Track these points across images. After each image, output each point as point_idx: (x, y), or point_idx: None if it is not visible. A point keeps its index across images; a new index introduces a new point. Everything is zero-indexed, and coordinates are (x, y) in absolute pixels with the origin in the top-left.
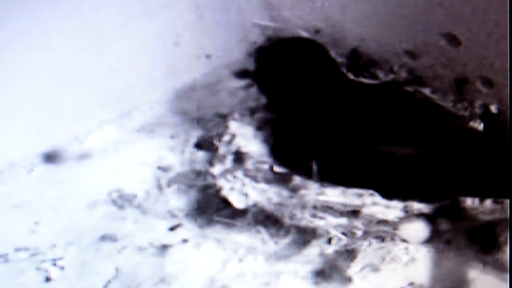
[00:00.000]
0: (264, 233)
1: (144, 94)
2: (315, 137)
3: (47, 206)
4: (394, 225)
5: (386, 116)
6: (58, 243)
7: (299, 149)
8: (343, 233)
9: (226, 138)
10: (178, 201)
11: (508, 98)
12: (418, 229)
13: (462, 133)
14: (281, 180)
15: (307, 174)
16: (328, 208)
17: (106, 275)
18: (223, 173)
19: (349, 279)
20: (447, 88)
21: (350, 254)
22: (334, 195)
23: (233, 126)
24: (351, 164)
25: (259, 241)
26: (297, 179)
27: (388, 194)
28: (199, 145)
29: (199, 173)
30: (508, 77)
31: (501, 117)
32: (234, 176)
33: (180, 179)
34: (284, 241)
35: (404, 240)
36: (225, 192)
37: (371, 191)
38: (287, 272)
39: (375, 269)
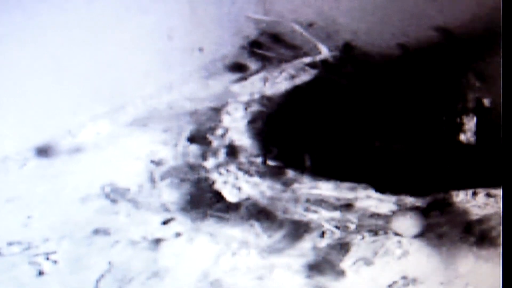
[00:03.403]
0: (257, 227)
1: (137, 88)
2: (308, 130)
3: (40, 200)
4: (387, 218)
5: (384, 114)
6: (51, 237)
7: (292, 143)
8: (336, 227)
9: (219, 131)
10: (171, 195)
11: (501, 91)
12: (411, 223)
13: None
14: (274, 173)
15: (300, 168)
16: (321, 202)
17: (99, 269)
18: (216, 167)
19: (342, 273)
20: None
21: (343, 247)
22: (327, 188)
23: (226, 119)
24: (345, 158)
25: (252, 235)
26: (290, 173)
27: (381, 187)
28: (192, 139)
29: (192, 167)
30: (501, 71)
31: (494, 110)
32: (227, 170)
33: (173, 173)
34: (277, 235)
35: (397, 234)
36: (218, 186)
37: (364, 185)
38: (280, 266)
39: (368, 262)
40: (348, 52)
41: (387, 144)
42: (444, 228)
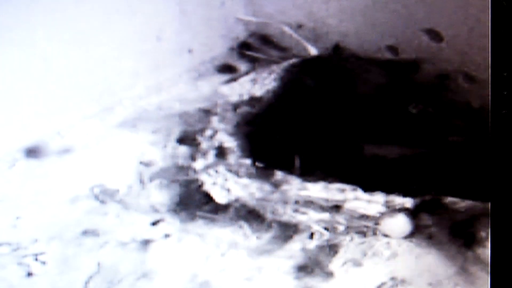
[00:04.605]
0: (246, 228)
1: (127, 89)
2: (297, 132)
3: (29, 200)
4: (376, 220)
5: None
6: (40, 238)
7: (281, 144)
8: (325, 228)
9: (208, 133)
10: (160, 196)
11: (489, 93)
12: (400, 224)
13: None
14: (263, 175)
15: (289, 169)
16: (310, 203)
17: (88, 270)
18: (205, 168)
19: (331, 274)
20: (429, 83)
21: (332, 249)
22: (316, 190)
23: (215, 121)
24: (334, 159)
25: (241, 236)
26: (279, 174)
27: (370, 188)
28: (181, 140)
29: (181, 168)
30: (489, 73)
31: (482, 112)
32: (216, 171)
33: (162, 174)
34: (266, 236)
35: (385, 235)
36: (207, 187)
37: (353, 186)
38: (269, 267)
39: (357, 264)
40: (337, 54)
41: (376, 149)
42: (432, 229)
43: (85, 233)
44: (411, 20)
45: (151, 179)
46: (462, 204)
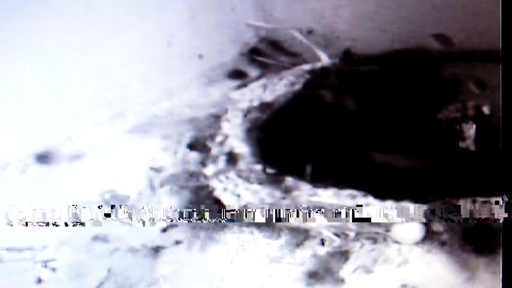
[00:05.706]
0: (257, 234)
1: (137, 95)
2: (308, 137)
3: (40, 206)
4: (387, 226)
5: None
6: (50, 244)
7: (291, 150)
8: (336, 235)
9: (218, 138)
10: (170, 202)
11: (500, 99)
12: (411, 231)
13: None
14: (274, 181)
15: (299, 175)
16: (321, 209)
17: (98, 276)
18: (216, 174)
19: (341, 281)
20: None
21: (342, 255)
22: (327, 196)
23: (226, 126)
24: (345, 165)
25: (252, 242)
26: (289, 180)
27: (381, 195)
28: (191, 146)
29: (191, 174)
30: (500, 79)
31: (493, 118)
32: (227, 177)
33: (173, 180)
34: (277, 242)
35: (396, 242)
36: (217, 193)
37: (364, 192)
38: (280, 274)
39: (368, 270)
40: (347, 59)
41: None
42: (444, 235)
43: (96, 239)
44: (421, 25)
45: (162, 185)
46: (473, 210)
